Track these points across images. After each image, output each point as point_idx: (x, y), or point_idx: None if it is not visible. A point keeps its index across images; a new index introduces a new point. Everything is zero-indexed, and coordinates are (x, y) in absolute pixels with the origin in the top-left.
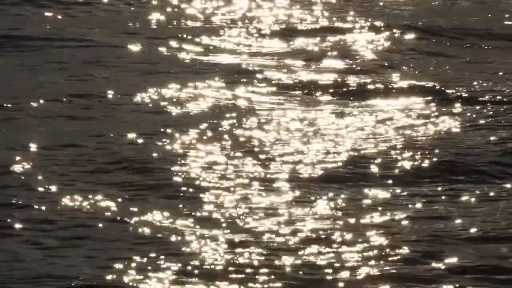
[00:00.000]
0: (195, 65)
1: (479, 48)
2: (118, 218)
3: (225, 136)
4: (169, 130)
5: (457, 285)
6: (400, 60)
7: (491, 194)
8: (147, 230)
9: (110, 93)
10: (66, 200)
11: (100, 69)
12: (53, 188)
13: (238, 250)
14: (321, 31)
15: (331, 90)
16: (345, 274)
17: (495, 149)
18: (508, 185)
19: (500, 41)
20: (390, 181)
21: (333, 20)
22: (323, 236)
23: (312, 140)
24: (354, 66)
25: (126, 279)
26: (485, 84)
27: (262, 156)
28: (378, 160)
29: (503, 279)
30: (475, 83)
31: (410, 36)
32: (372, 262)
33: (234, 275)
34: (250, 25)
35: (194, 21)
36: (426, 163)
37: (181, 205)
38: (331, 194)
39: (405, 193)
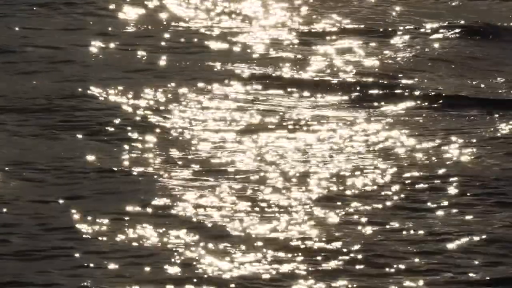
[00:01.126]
0: (176, 67)
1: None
2: (79, 226)
3: (202, 135)
4: (144, 133)
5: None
6: (397, 62)
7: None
8: (109, 240)
9: (83, 94)
10: (30, 204)
11: (74, 69)
12: (20, 194)
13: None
14: (310, 34)
15: (316, 90)
16: (309, 267)
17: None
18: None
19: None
20: (363, 182)
21: (327, 23)
22: (297, 238)
23: (292, 139)
24: (344, 67)
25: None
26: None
27: (243, 157)
28: (352, 160)
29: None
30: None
31: (407, 35)
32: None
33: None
34: (239, 25)
35: (179, 22)
36: (402, 165)
37: (148, 209)
38: (303, 195)
39: (374, 194)
